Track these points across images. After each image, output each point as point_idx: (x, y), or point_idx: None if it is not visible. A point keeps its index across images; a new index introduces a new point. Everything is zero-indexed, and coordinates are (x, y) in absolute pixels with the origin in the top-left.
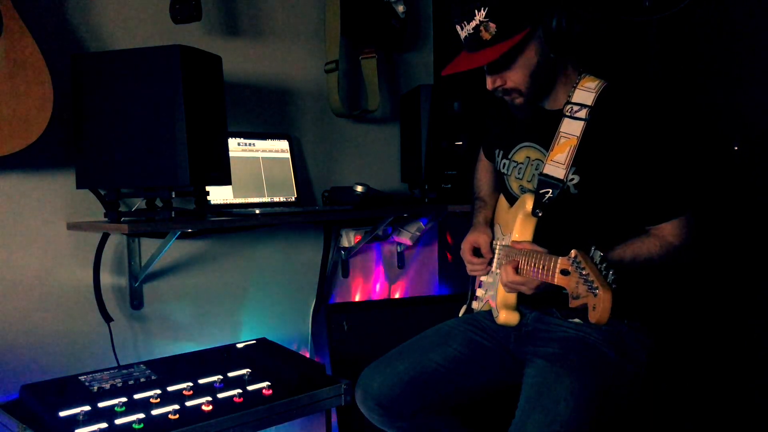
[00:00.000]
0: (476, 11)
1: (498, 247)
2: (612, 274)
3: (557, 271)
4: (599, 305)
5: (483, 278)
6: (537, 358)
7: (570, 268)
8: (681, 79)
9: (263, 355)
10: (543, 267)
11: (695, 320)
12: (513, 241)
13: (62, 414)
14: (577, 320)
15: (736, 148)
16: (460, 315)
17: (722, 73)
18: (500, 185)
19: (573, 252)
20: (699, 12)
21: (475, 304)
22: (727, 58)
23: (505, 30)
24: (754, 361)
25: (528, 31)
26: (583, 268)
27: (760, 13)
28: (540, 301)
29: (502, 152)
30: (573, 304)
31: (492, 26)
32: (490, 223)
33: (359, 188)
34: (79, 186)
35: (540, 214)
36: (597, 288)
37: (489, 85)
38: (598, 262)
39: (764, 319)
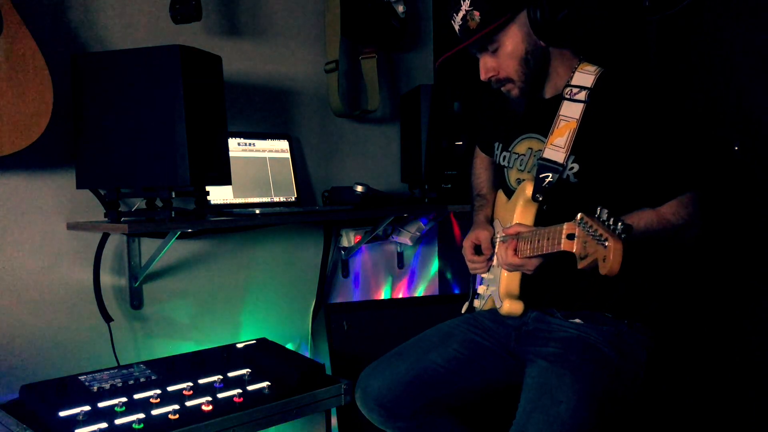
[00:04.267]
0: (462, 2)
1: (498, 240)
2: (621, 225)
3: (563, 236)
4: (609, 256)
5: (484, 275)
6: (537, 358)
7: (576, 231)
8: (680, 79)
9: (263, 355)
10: (548, 237)
11: (696, 320)
12: (516, 224)
13: (62, 414)
14: (577, 320)
15: (736, 148)
16: (462, 312)
17: (721, 74)
18: (498, 179)
19: (579, 215)
20: (699, 12)
21: (476, 303)
22: (726, 58)
23: (488, 16)
24: (754, 361)
25: (510, 16)
26: (591, 226)
27: (759, 13)
28: (540, 301)
29: (501, 145)
30: (581, 264)
31: (476, 14)
32: (490, 220)
33: (359, 188)
34: (79, 186)
35: (540, 199)
36: (606, 240)
37: (482, 75)
38: (605, 219)
39: (764, 319)
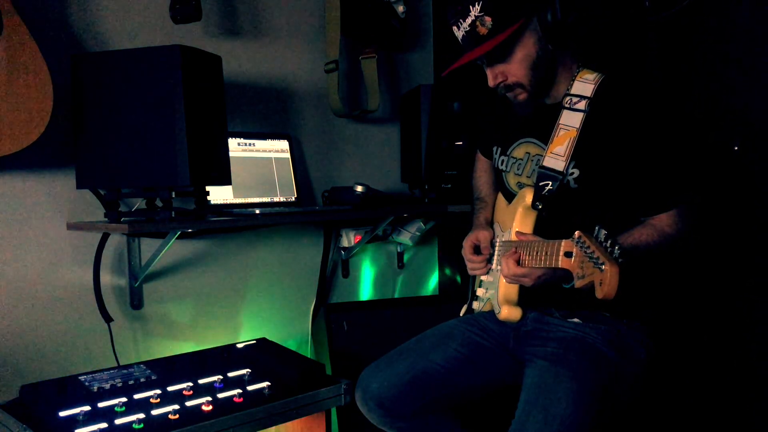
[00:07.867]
0: (471, 7)
1: (498, 243)
2: (618, 249)
3: (561, 253)
4: (606, 280)
5: (483, 277)
6: (536, 358)
7: (574, 249)
8: (681, 80)
9: (263, 355)
10: (546, 252)
11: (695, 320)
12: (517, 232)
13: (62, 414)
14: (576, 320)
15: (736, 148)
16: (461, 315)
17: (722, 73)
18: (498, 183)
19: (577, 233)
20: (699, 12)
21: (475, 305)
22: (727, 58)
23: (500, 22)
24: (754, 361)
25: (523, 22)
26: (588, 247)
27: (760, 13)
28: (539, 301)
29: (500, 149)
30: (579, 284)
31: (487, 20)
32: (490, 222)
33: (359, 188)
34: (79, 186)
35: (540, 207)
36: (603, 263)
37: (491, 82)
38: (602, 240)
39: (764, 319)
